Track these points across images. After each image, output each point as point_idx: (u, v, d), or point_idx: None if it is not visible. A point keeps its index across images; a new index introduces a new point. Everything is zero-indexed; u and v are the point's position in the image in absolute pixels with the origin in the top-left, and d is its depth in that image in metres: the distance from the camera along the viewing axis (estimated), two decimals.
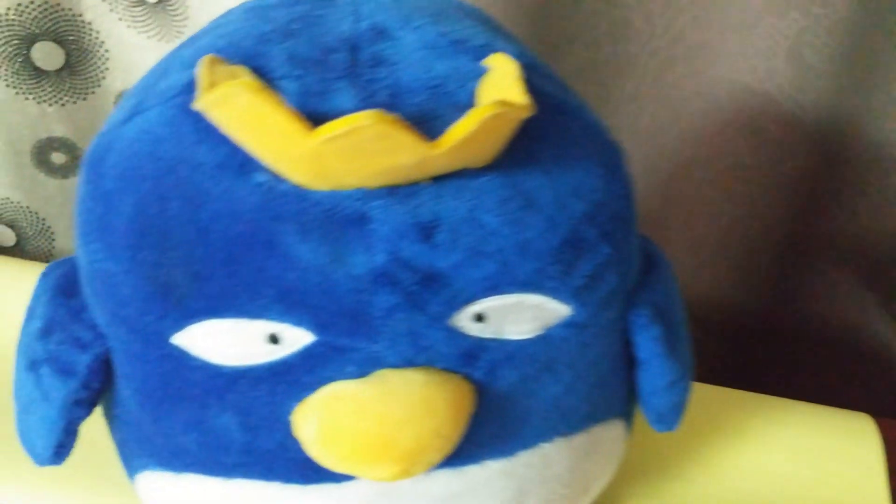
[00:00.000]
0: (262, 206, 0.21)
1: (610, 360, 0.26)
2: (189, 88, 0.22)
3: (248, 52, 0.22)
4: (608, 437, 0.28)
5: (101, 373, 0.25)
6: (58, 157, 0.50)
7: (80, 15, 0.45)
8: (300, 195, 0.21)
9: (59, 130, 0.49)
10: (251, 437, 0.23)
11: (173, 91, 0.22)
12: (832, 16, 0.43)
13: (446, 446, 0.22)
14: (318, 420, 0.21)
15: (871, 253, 0.50)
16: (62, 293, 0.26)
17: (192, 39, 0.25)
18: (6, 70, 0.46)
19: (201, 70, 0.20)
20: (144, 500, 0.28)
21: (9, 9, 0.44)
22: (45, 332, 0.26)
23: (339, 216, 0.21)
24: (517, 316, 0.23)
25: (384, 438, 0.21)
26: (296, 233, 0.21)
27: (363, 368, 0.22)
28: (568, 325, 0.24)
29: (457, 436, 0.22)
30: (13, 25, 0.44)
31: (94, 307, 0.25)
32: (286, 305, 0.21)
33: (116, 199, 0.22)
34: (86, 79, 0.47)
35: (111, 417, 0.27)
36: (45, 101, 0.47)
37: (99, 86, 0.48)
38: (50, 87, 0.47)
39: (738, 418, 0.44)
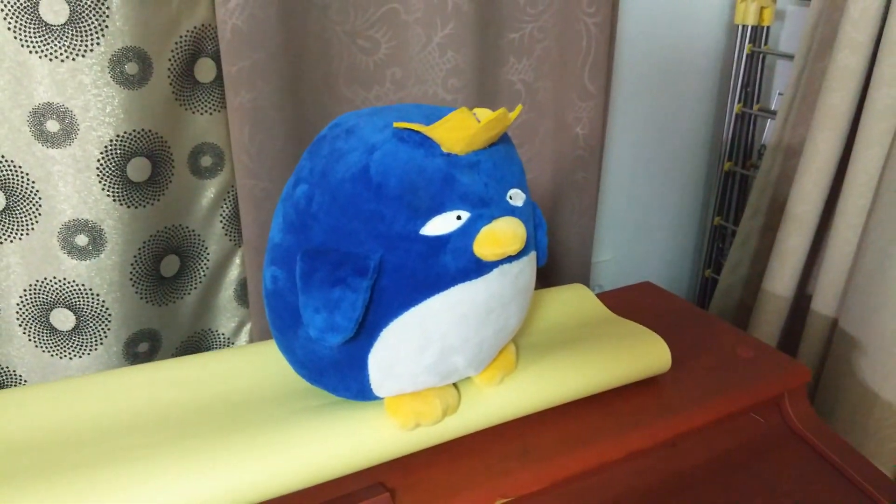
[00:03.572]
0: (446, 165, 0.56)
1: (533, 222, 0.66)
2: (396, 136, 0.55)
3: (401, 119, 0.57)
4: (535, 256, 0.67)
5: (377, 270, 0.55)
6: None
7: None
8: (457, 158, 0.56)
9: None
10: (457, 263, 0.56)
11: (388, 138, 0.55)
12: None
13: (526, 238, 0.58)
14: (489, 238, 0.56)
15: None
16: (324, 252, 0.56)
17: (353, 132, 0.58)
18: None
19: (415, 128, 0.55)
20: (388, 344, 0.57)
21: None
22: (336, 266, 0.55)
23: (470, 164, 0.57)
24: (517, 197, 0.61)
25: (514, 233, 0.57)
26: (460, 172, 0.56)
27: (489, 220, 0.57)
28: (526, 201, 0.63)
29: (527, 237, 0.59)
30: None
31: (365, 241, 0.55)
32: (462, 201, 0.56)
33: (384, 182, 0.54)
34: None
35: (369, 300, 0.56)
36: None
37: None
38: None
39: None
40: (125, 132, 0.86)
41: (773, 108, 1.44)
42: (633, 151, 1.33)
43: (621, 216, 1.39)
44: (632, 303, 0.95)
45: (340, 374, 0.60)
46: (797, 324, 1.22)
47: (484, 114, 0.57)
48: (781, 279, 1.19)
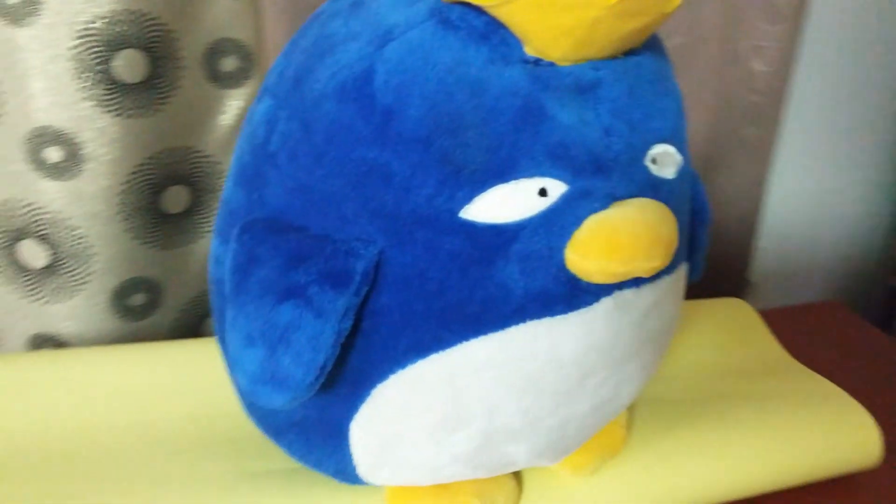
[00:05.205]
0: (530, 82, 0.27)
1: (689, 208, 0.36)
2: (437, 16, 0.28)
3: None
4: (684, 273, 0.37)
5: (369, 279, 0.28)
6: None
7: None
8: (554, 70, 0.28)
9: None
10: (528, 281, 0.28)
11: (420, 17, 0.28)
12: None
13: (675, 245, 0.30)
14: (598, 240, 0.28)
15: None
16: (280, 231, 0.29)
17: (362, 4, 0.30)
18: None
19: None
20: (384, 412, 0.30)
21: None
22: (294, 263, 0.28)
23: (580, 85, 0.28)
24: (666, 161, 0.32)
25: (653, 235, 0.28)
26: (556, 100, 0.28)
27: (604, 203, 0.29)
28: (682, 170, 0.33)
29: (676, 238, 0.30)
30: None
31: (353, 219, 0.28)
32: (552, 161, 0.28)
33: (399, 105, 0.27)
34: None
35: (353, 333, 0.29)
36: None
37: None
38: None
39: None
40: (111, 12, 0.63)
41: None
42: (808, 101, 0.97)
43: (780, 192, 1.03)
44: (808, 335, 0.64)
45: (306, 440, 0.34)
46: None
47: None
48: None
